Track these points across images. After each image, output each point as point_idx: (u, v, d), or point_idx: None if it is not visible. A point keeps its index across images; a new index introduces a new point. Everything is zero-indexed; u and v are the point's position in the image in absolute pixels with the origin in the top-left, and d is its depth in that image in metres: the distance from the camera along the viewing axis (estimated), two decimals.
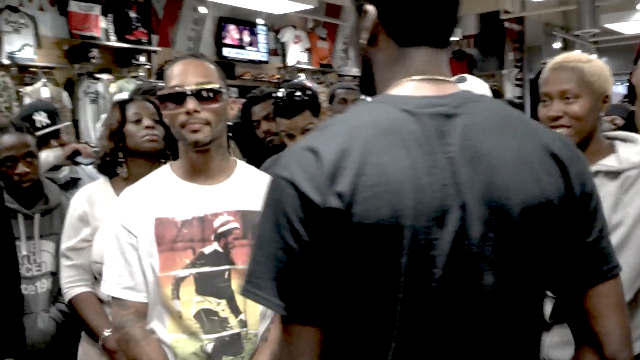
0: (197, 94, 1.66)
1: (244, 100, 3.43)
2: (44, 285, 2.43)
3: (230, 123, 6.79)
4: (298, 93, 2.45)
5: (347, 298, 0.98)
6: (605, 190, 1.71)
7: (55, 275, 2.43)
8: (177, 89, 1.67)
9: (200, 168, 1.73)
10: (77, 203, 2.24)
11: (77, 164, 3.16)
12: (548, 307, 1.71)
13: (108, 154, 2.21)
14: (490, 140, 1.02)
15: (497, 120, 1.05)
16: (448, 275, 0.97)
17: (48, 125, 3.13)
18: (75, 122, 6.19)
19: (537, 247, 1.03)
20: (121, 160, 2.21)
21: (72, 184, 3.03)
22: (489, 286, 0.99)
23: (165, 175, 1.77)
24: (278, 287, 0.97)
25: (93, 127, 6.11)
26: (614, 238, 1.64)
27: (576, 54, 1.84)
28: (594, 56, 1.88)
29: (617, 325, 1.07)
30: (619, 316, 1.08)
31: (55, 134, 3.20)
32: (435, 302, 0.98)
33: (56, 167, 3.05)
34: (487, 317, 1.00)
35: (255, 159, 2.96)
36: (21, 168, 2.41)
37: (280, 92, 2.50)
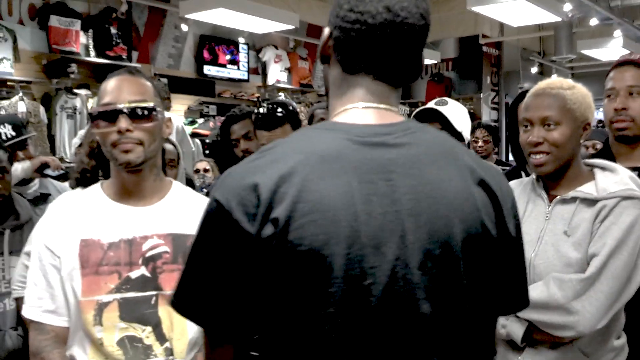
0: (130, 112, 1.57)
1: (223, 118, 3.42)
2: (12, 302, 2.38)
3: (208, 141, 6.72)
4: (280, 108, 2.47)
5: (277, 322, 1.00)
6: (581, 217, 1.73)
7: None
8: (110, 106, 1.58)
9: (132, 189, 1.65)
10: None
11: (46, 176, 3.12)
12: (520, 331, 1.72)
13: (89, 171, 2.17)
14: (434, 170, 1.03)
15: (439, 151, 1.07)
16: (384, 303, 0.97)
17: (13, 138, 3.09)
18: (52, 137, 6.13)
19: (474, 276, 1.05)
20: (100, 179, 2.17)
21: (41, 199, 2.99)
22: (425, 314, 1.00)
23: (94, 195, 1.69)
24: (204, 305, 1.03)
25: (69, 143, 6.04)
26: (590, 267, 1.65)
27: (559, 80, 1.85)
28: (575, 83, 1.89)
29: None
30: None
31: (22, 146, 3.16)
32: (371, 330, 0.97)
33: (25, 182, 3.00)
34: (424, 345, 1.01)
35: None
36: None
37: (262, 108, 2.52)
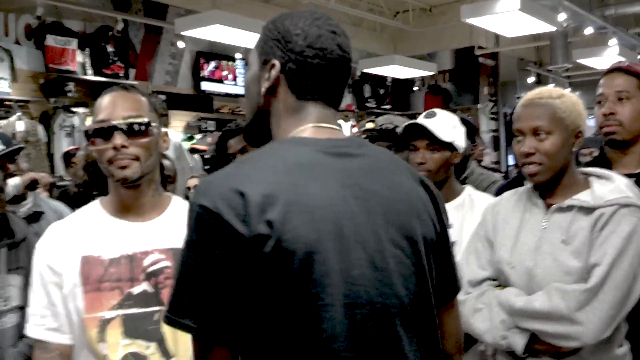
0: (125, 128, 1.57)
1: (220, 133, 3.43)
2: (11, 320, 2.38)
3: (207, 156, 6.70)
4: None
5: (269, 319, 1.06)
6: (579, 225, 1.72)
7: (22, 309, 2.38)
8: (105, 123, 1.58)
9: (131, 204, 1.65)
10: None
11: (34, 188, 3.14)
12: (521, 341, 1.71)
13: (81, 185, 2.16)
14: (388, 175, 1.20)
15: (387, 159, 1.24)
16: (371, 291, 1.10)
17: (2, 150, 3.13)
18: (51, 156, 6.14)
19: (431, 267, 1.21)
20: (95, 194, 2.16)
21: (34, 218, 2.99)
22: (403, 299, 1.13)
23: (94, 211, 1.69)
24: (199, 313, 1.06)
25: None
26: (593, 277, 1.65)
27: (548, 89, 1.85)
28: (567, 90, 1.90)
29: (455, 331, 1.35)
30: (458, 323, 1.36)
31: (11, 158, 3.18)
32: (362, 315, 1.08)
33: (17, 199, 3.01)
34: (403, 327, 1.14)
35: None
36: None
37: None
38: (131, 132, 1.58)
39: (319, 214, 1.06)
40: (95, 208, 1.70)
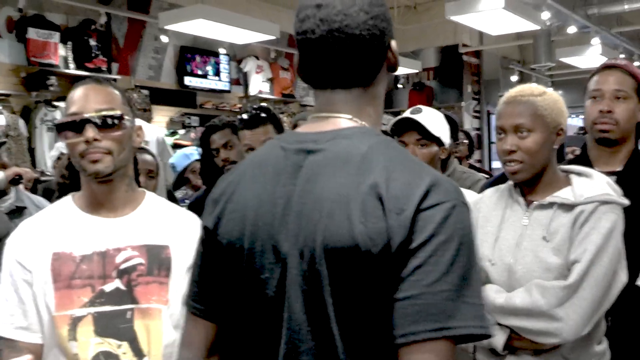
0: (97, 122, 1.54)
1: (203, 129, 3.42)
2: None
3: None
4: (262, 112, 2.63)
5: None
6: (559, 222, 1.74)
7: None
8: (76, 116, 1.55)
9: (103, 200, 1.61)
10: None
11: (18, 183, 3.10)
12: (501, 338, 1.72)
13: (67, 177, 2.13)
14: (326, 176, 1.07)
15: (343, 158, 1.07)
16: (277, 297, 1.08)
17: None
18: (32, 150, 6.08)
19: (343, 286, 1.02)
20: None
21: (17, 212, 2.96)
22: (297, 313, 1.06)
23: (66, 207, 1.65)
24: (194, 291, 1.24)
25: (49, 155, 5.99)
26: (573, 274, 1.66)
27: (530, 87, 1.85)
28: (550, 89, 1.90)
29: None
30: None
31: None
32: (266, 319, 1.10)
33: None
34: (297, 340, 1.07)
35: None
36: None
37: (245, 113, 2.68)
38: (103, 125, 1.55)
39: (242, 214, 1.14)
40: (67, 203, 1.66)
